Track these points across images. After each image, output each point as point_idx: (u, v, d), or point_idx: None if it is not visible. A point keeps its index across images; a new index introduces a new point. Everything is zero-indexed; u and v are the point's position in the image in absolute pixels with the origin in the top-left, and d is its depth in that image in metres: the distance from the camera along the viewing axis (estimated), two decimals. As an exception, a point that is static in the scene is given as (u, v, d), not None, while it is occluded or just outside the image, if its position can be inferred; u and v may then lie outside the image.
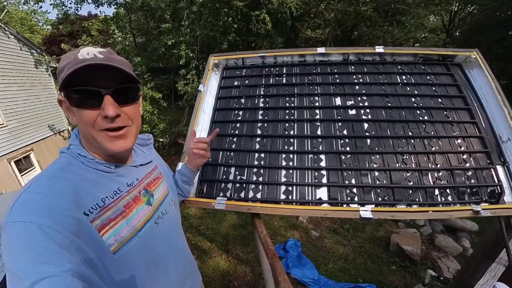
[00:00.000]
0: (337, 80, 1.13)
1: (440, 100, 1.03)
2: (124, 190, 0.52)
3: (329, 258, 2.52)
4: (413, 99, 1.04)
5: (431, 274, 2.06)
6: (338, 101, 1.08)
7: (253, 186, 0.97)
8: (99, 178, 0.50)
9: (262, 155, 1.02)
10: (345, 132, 1.01)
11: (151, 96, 4.93)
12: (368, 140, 0.98)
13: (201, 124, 1.14)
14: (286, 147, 1.01)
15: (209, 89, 1.22)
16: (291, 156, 1.00)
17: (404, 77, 1.10)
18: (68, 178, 0.46)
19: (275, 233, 2.91)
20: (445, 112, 1.00)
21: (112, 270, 0.46)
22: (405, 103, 1.03)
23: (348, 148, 0.98)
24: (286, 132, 1.04)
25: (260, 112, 1.11)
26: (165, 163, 0.77)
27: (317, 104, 1.09)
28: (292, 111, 1.09)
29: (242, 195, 0.96)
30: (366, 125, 1.01)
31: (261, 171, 0.99)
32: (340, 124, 1.03)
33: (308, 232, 2.93)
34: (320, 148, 0.99)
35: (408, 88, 1.07)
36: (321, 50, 1.17)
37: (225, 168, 1.02)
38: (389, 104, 1.04)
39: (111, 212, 0.48)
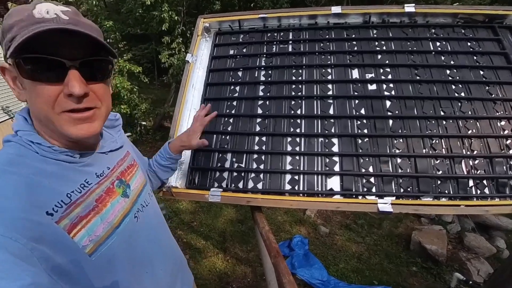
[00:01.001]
0: (355, 48, 1.11)
1: (482, 72, 1.00)
2: (93, 182, 0.51)
3: (340, 257, 2.59)
4: (448, 71, 1.02)
5: (458, 277, 2.12)
6: (355, 73, 1.07)
7: (253, 175, 0.98)
8: (60, 170, 0.47)
9: (264, 138, 1.02)
10: (362, 111, 1.01)
11: (129, 70, 4.76)
12: (390, 121, 0.98)
13: (190, 102, 1.14)
14: (292, 129, 1.02)
15: (199, 60, 1.20)
16: (297, 139, 1.00)
17: (438, 43, 1.07)
18: (19, 173, 0.43)
19: (278, 229, 2.99)
20: (487, 88, 0.98)
21: (90, 275, 0.46)
22: (438, 76, 1.01)
23: (366, 131, 0.98)
24: (292, 112, 1.04)
25: (261, 87, 1.11)
26: (136, 148, 0.78)
27: (329, 77, 1.08)
28: (300, 86, 1.08)
29: (241, 185, 0.97)
30: (388, 103, 1.01)
31: (263, 157, 1.00)
32: (357, 101, 1.03)
33: (317, 228, 2.99)
34: (333, 130, 1.00)
35: (442, 58, 1.04)
36: (336, 10, 1.13)
37: (220, 154, 1.03)
38: (417, 78, 1.02)
39: (81, 208, 0.47)
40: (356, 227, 3.04)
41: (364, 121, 0.99)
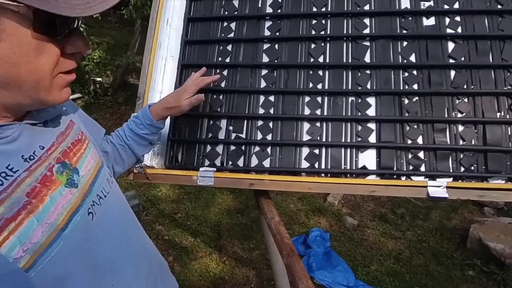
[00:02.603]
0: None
1: None
2: (20, 169, 0.49)
3: (372, 257, 2.66)
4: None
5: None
6: (403, 2, 1.02)
7: (257, 148, 0.98)
8: None
9: (272, 98, 1.01)
10: (412, 58, 0.98)
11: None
12: (452, 72, 0.95)
13: (165, 48, 1.11)
14: (311, 85, 1.00)
15: (179, -16, 1.16)
16: (319, 99, 0.98)
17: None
18: None
19: (291, 220, 3.06)
20: None
21: None
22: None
23: (415, 86, 0.96)
24: (312, 59, 1.02)
25: (268, 23, 1.08)
26: (86, 115, 0.77)
27: (367, 7, 1.03)
28: (323, 22, 1.04)
29: (241, 162, 0.98)
30: (451, 46, 0.97)
31: (270, 124, 0.99)
32: (405, 44, 0.99)
33: (342, 219, 3.05)
34: (369, 85, 0.97)
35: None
36: None
37: (211, 121, 1.03)
38: (499, 7, 0.97)
39: (5, 207, 0.45)
40: (395, 218, 3.09)
41: (414, 72, 0.97)
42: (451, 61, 0.96)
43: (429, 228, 2.96)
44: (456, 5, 0.99)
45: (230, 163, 0.98)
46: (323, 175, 0.94)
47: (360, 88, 0.98)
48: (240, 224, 3.03)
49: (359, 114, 0.96)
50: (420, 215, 3.11)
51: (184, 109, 0.90)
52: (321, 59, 1.01)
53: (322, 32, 1.03)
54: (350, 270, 2.48)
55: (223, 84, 1.04)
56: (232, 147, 1.00)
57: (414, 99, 0.95)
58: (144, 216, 3.00)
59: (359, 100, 0.97)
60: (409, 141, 0.92)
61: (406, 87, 0.96)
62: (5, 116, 0.50)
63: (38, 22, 0.45)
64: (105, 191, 0.65)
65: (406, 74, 0.97)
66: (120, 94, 5.52)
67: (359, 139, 0.95)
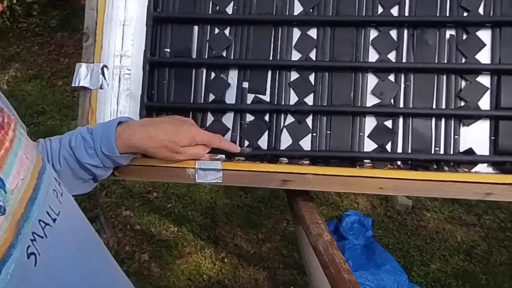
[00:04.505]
0: None
1: None
2: None
3: (433, 252, 2.67)
4: None
5: None
6: None
7: (290, 119, 0.93)
8: None
9: (313, 32, 0.93)
10: None
11: None
12: None
13: None
14: (380, 9, 0.92)
15: None
16: (393, 34, 0.91)
17: None
18: None
19: (315, 199, 3.01)
20: None
21: None
22: None
23: None
24: None
25: None
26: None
27: None
28: None
29: (264, 143, 0.93)
30: None
31: (311, 77, 0.93)
32: None
33: (389, 198, 3.05)
34: (481, 9, 0.88)
35: None
36: None
37: (213, 73, 0.96)
38: None
39: None
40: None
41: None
42: None
43: (515, 212, 2.94)
44: None
45: (247, 143, 0.92)
46: (400, 163, 0.88)
47: (466, 14, 0.88)
48: (243, 206, 3.04)
49: (463, 60, 0.88)
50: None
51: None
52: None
53: None
54: (401, 270, 2.48)
55: (230, 9, 0.95)
56: (249, 117, 0.93)
57: None
58: (103, 198, 3.00)
59: (464, 36, 0.88)
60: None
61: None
62: None
63: None
64: (54, 211, 0.60)
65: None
66: (52, 13, 5.37)
67: (462, 103, 0.88)
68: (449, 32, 0.90)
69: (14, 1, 5.11)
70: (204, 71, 0.96)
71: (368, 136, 0.90)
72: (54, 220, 0.59)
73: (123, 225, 2.85)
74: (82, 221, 0.71)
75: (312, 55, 0.93)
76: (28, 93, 4.13)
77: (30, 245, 0.53)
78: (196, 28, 0.97)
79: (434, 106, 0.89)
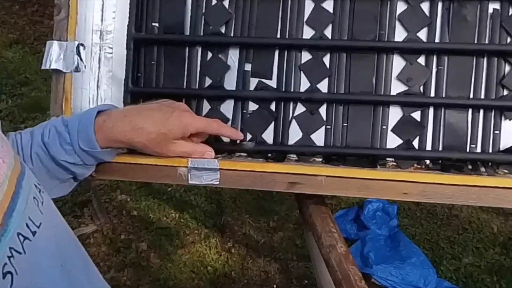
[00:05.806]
0: None
1: None
2: None
3: (466, 244, 2.64)
4: None
5: None
6: None
7: (301, 109, 0.88)
8: None
9: (328, 3, 0.88)
10: None
11: None
12: None
13: None
14: None
15: None
16: (425, 6, 0.86)
17: None
18: None
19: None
20: None
21: None
22: None
23: None
24: None
25: None
26: None
27: None
28: None
29: (269, 136, 0.89)
30: None
31: (325, 59, 0.88)
32: None
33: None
34: None
35: None
36: None
37: (210, 53, 0.92)
38: None
39: None
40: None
41: None
42: None
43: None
44: None
45: (249, 137, 0.87)
46: (428, 163, 0.82)
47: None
48: (253, 190, 2.98)
49: (508, 40, 0.82)
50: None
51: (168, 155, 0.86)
52: None
53: None
54: (429, 264, 2.47)
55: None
56: (252, 106, 0.88)
57: None
58: (95, 181, 2.93)
59: (511, 11, 0.82)
60: None
61: None
62: None
63: None
64: (34, 223, 0.58)
65: None
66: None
67: (505, 92, 0.82)
68: (493, 6, 0.82)
69: None
70: (199, 50, 0.91)
71: (392, 130, 0.85)
72: (34, 233, 0.57)
73: (118, 211, 2.85)
74: (65, 233, 0.68)
75: (328, 32, 0.87)
76: (9, 60, 4.07)
77: (6, 262, 0.50)
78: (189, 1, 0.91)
79: (471, 96, 0.83)
